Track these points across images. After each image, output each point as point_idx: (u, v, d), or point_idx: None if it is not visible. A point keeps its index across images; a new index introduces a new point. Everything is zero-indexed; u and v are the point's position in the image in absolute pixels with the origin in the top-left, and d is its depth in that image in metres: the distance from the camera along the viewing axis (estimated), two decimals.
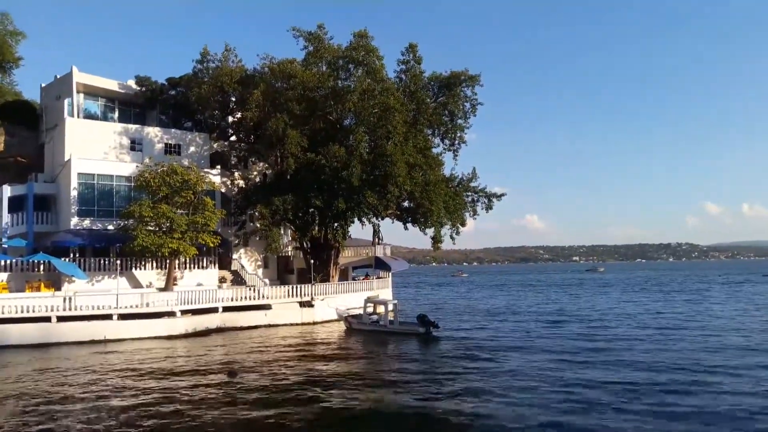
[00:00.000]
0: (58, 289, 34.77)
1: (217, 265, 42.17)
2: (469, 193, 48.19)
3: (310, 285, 40.65)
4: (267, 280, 45.70)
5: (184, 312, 34.51)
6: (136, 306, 33.29)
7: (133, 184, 38.52)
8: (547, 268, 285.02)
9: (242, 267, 46.05)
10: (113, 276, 36.20)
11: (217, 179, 42.73)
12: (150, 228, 36.06)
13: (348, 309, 38.51)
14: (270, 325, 37.47)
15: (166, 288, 37.12)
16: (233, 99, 45.78)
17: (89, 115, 45.79)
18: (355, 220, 44.08)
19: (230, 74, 43.19)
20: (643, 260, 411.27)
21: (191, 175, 37.26)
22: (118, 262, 36.65)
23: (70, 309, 31.34)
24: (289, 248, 51.73)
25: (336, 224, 44.77)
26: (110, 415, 16.67)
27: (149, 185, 36.37)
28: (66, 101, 43.52)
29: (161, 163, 37.91)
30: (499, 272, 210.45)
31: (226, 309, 36.53)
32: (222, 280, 42.24)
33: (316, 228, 46.22)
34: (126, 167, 40.10)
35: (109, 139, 42.18)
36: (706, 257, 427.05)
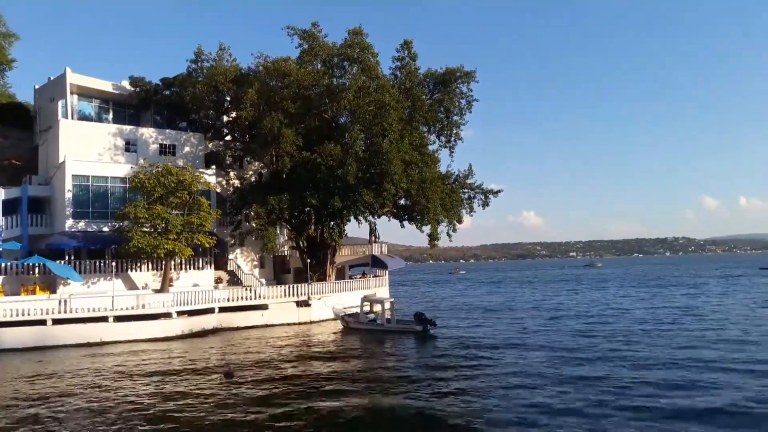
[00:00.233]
0: (54, 291, 34.66)
1: (213, 266, 42.04)
2: (466, 190, 48.11)
3: (306, 284, 40.53)
4: (263, 280, 45.61)
5: (180, 313, 34.37)
6: (132, 308, 33.11)
7: (127, 185, 38.35)
8: (545, 264, 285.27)
9: (238, 267, 45.90)
10: (109, 278, 36.05)
11: (212, 179, 42.56)
12: (145, 229, 35.89)
13: (345, 308, 38.42)
14: (267, 325, 37.37)
15: (162, 289, 36.96)
16: (228, 98, 45.61)
17: (83, 117, 45.56)
18: (352, 218, 43.95)
19: (225, 73, 43.01)
20: (640, 255, 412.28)
21: (186, 176, 37.09)
22: (114, 263, 36.48)
23: (65, 311, 31.14)
24: (286, 248, 51.60)
25: (332, 223, 44.61)
26: (104, 417, 16.55)
27: (144, 186, 36.19)
28: (60, 103, 43.26)
29: (156, 163, 37.72)
30: (496, 269, 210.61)
31: (222, 309, 36.40)
32: (218, 280, 42.10)
33: (312, 227, 46.09)
34: (121, 168, 39.89)
35: (103, 140, 41.98)
36: (702, 251, 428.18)
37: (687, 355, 24.29)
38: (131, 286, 37.59)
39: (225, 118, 48.24)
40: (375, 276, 51.80)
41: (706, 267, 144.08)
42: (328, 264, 46.58)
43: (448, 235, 45.76)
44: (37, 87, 47.82)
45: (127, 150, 42.77)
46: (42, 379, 22.39)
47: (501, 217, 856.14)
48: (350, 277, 52.66)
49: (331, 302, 39.98)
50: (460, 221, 46.10)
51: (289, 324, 38.26)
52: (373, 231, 50.31)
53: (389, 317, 35.58)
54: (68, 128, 41.10)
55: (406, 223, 46.59)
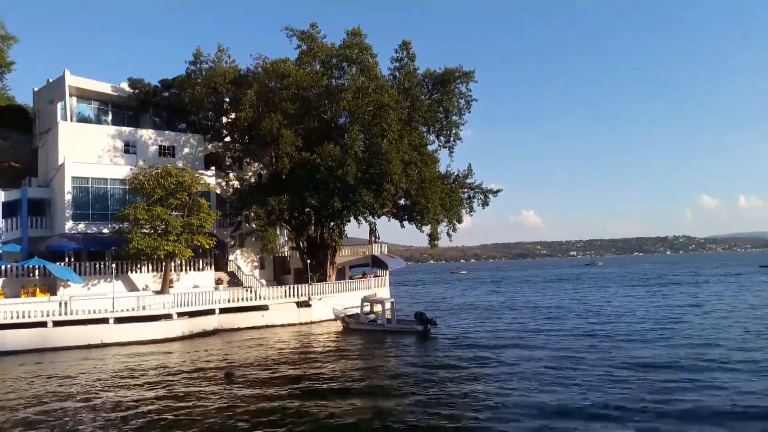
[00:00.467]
0: (54, 293, 34.64)
1: (213, 267, 42.03)
2: (465, 190, 48.14)
3: (307, 285, 40.53)
4: (263, 281, 45.61)
5: (180, 314, 34.36)
6: (133, 309, 33.08)
7: (127, 186, 38.35)
8: (545, 263, 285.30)
9: (238, 268, 45.90)
10: (109, 279, 36.04)
11: (211, 180, 42.54)
12: (145, 231, 35.89)
13: (345, 308, 38.42)
14: (267, 326, 37.38)
15: (162, 291, 36.95)
16: (227, 99, 45.62)
17: (82, 119, 45.52)
18: (352, 218, 43.97)
19: (223, 75, 43.03)
20: (641, 254, 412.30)
21: (186, 177, 37.10)
22: (114, 265, 36.45)
23: (65, 313, 31.12)
24: (286, 248, 51.61)
25: (332, 223, 44.63)
26: (103, 419, 16.56)
27: (144, 188, 36.19)
28: (59, 105, 43.27)
29: (155, 165, 37.72)
30: (496, 268, 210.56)
31: (222, 310, 36.41)
32: (218, 281, 42.10)
33: (312, 227, 46.10)
34: (120, 170, 39.89)
35: (102, 142, 41.99)
36: (703, 249, 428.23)
37: (689, 354, 24.26)
38: (131, 287, 37.58)
39: (224, 120, 48.24)
40: (375, 276, 51.79)
41: (707, 265, 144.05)
42: (329, 264, 46.59)
43: (448, 234, 45.84)
44: (36, 89, 47.81)
45: (126, 152, 42.77)
46: (41, 381, 22.40)
47: (501, 217, 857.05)
48: (351, 278, 52.64)
49: (332, 303, 39.98)
50: (459, 221, 46.13)
51: (289, 325, 38.27)
52: (373, 231, 50.32)
53: (390, 317, 35.57)
54: (67, 130, 41.09)
55: (406, 223, 46.61)
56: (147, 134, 44.12)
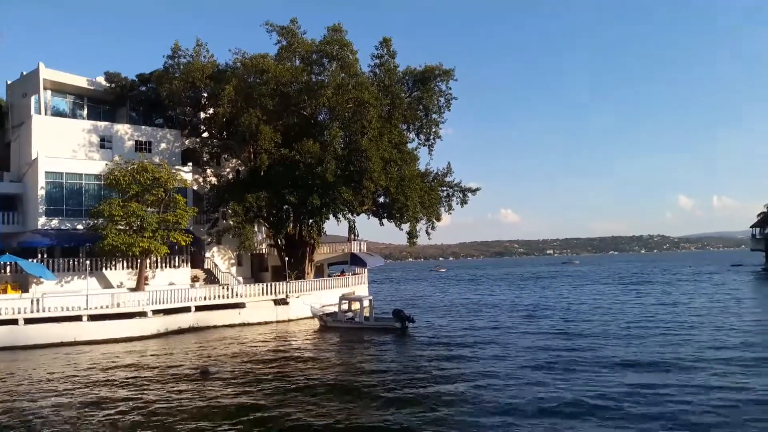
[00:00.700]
0: (26, 290, 33.96)
1: (189, 264, 41.60)
2: (444, 188, 48.18)
3: (284, 282, 40.29)
4: (241, 279, 45.23)
5: (155, 312, 33.95)
6: (107, 306, 32.62)
7: (102, 182, 37.74)
8: (523, 261, 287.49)
9: (215, 265, 45.48)
10: (83, 276, 35.49)
11: (188, 176, 42.08)
12: (120, 227, 35.42)
13: (323, 306, 38.25)
14: (244, 324, 37.08)
15: (138, 288, 36.50)
16: (205, 95, 45.06)
17: (57, 113, 44.69)
18: (330, 216, 43.78)
19: (202, 69, 42.51)
20: (616, 252, 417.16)
21: (162, 173, 36.67)
22: (88, 262, 35.91)
23: (38, 311, 30.58)
24: (264, 246, 51.25)
25: (311, 221, 44.42)
26: (76, 419, 16.26)
27: (119, 183, 35.68)
28: (33, 98, 42.42)
29: (131, 160, 37.22)
30: (475, 266, 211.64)
31: (199, 308, 36.05)
32: (194, 279, 41.67)
33: (291, 225, 45.83)
34: (95, 165, 39.27)
35: (77, 136, 41.25)
36: (677, 248, 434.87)
37: (662, 352, 24.56)
38: (106, 284, 37.03)
39: (202, 115, 47.72)
40: (354, 274, 51.65)
41: (681, 264, 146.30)
42: (307, 262, 46.36)
43: (427, 233, 45.93)
44: (9, 82, 46.81)
45: (102, 146, 42.10)
46: (11, 380, 21.97)
47: (480, 215, 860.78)
48: (329, 275, 52.47)
49: (310, 300, 39.78)
50: (438, 219, 46.23)
51: (266, 323, 38.00)
52: (352, 229, 50.21)
53: (368, 315, 35.52)
54: (41, 124, 40.29)
55: (385, 221, 46.54)
56: (123, 129, 43.46)
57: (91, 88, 46.01)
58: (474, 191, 48.98)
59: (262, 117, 40.08)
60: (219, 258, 47.16)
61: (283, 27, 42.24)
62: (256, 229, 46.52)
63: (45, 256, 35.99)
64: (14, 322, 29.85)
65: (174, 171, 38.71)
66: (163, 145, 44.58)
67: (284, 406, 17.01)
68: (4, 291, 33.02)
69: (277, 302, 39.26)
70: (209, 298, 36.78)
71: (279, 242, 46.19)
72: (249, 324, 37.22)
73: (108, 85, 46.04)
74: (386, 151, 40.97)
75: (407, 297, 63.99)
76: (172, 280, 39.33)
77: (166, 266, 40.04)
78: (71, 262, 36.32)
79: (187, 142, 47.29)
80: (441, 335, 31.66)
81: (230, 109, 40.83)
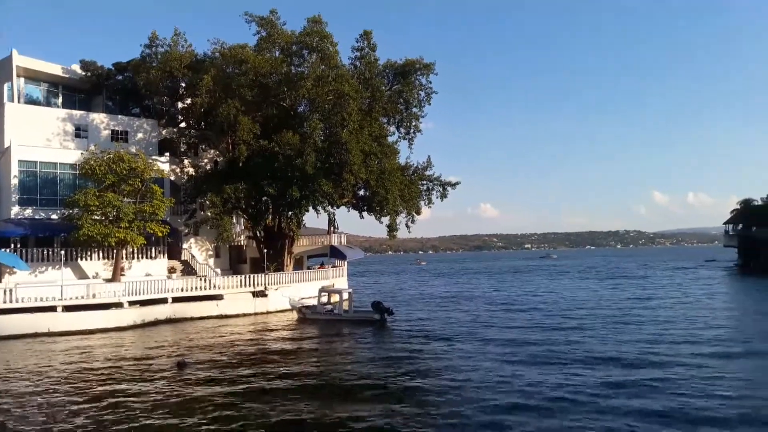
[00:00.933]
0: None
1: (166, 255, 41.22)
2: (424, 182, 48.30)
3: (263, 274, 40.11)
4: (218, 270, 44.95)
5: (132, 303, 33.63)
6: (82, 297, 32.21)
7: (77, 171, 37.26)
8: (502, 255, 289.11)
9: (192, 257, 45.12)
10: (57, 267, 34.97)
11: (165, 167, 41.71)
12: (96, 217, 34.99)
13: (302, 299, 38.15)
14: (222, 316, 36.86)
15: (113, 279, 36.09)
16: (183, 84, 44.62)
17: (31, 101, 43.93)
18: (310, 208, 43.64)
19: (180, 59, 42.07)
20: (593, 247, 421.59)
21: (139, 163, 36.28)
22: (63, 252, 35.39)
23: (11, 301, 30.11)
24: (242, 237, 50.95)
25: (290, 213, 44.25)
26: (48, 412, 16.05)
27: (95, 173, 35.26)
28: (6, 86, 41.72)
29: (107, 150, 36.79)
30: (454, 260, 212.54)
31: (175, 300, 35.75)
32: (171, 270, 41.30)
33: (270, 217, 45.61)
34: (70, 154, 38.76)
35: (52, 125, 40.62)
36: (652, 244, 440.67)
37: (637, 348, 24.82)
38: (81, 275, 36.55)
39: (180, 105, 47.27)
40: (333, 266, 51.62)
41: (656, 259, 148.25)
42: (286, 254, 46.20)
43: (407, 226, 46.07)
44: None
45: (77, 136, 41.53)
46: None
47: (459, 209, 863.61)
48: (308, 268, 52.37)
49: (289, 293, 39.65)
50: (418, 212, 46.35)
51: (244, 315, 37.82)
52: (332, 221, 50.15)
53: (347, 308, 35.53)
54: (14, 112, 39.56)
55: (365, 214, 46.55)
56: (99, 118, 42.88)
57: (66, 76, 45.31)
58: (454, 185, 49.21)
59: (240, 108, 39.77)
60: (196, 249, 46.81)
61: (262, 17, 41.96)
62: (234, 220, 46.24)
63: (18, 245, 35.39)
64: None
65: (151, 161, 38.32)
66: (139, 135, 44.06)
67: (261, 401, 16.82)
68: None
69: (255, 294, 39.09)
70: (186, 290, 36.48)
71: (258, 234, 45.96)
72: (227, 316, 37.01)
73: (83, 73, 45.41)
74: (366, 143, 40.92)
75: (387, 290, 64.08)
76: (148, 272, 38.94)
77: (142, 257, 39.63)
78: (45, 252, 35.79)
79: (164, 132, 46.81)
80: (420, 328, 31.77)
81: (208, 99, 40.48)
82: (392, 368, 21.11)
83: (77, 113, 42.47)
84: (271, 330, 32.72)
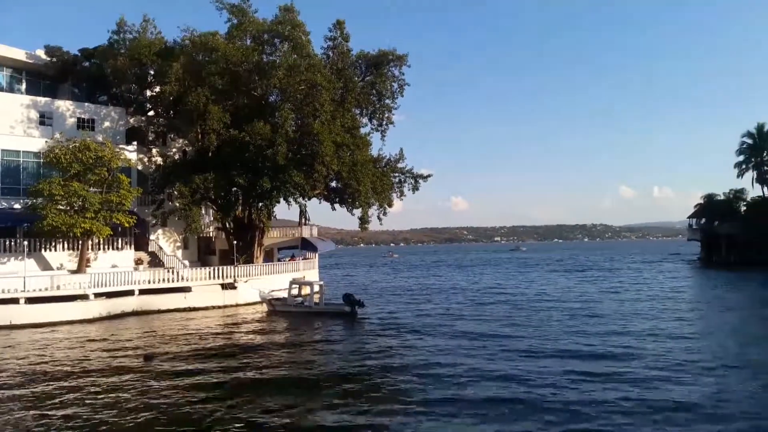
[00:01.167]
0: None
1: (133, 246, 40.55)
2: (396, 174, 48.23)
3: (232, 266, 39.67)
4: (187, 262, 44.40)
5: (97, 295, 33.03)
6: (46, 289, 31.53)
7: (42, 160, 36.47)
8: (472, 248, 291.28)
9: (160, 248, 44.43)
10: (20, 258, 34.10)
11: (133, 156, 40.99)
12: (60, 207, 34.27)
13: (272, 291, 37.79)
14: (190, 308, 36.35)
15: (79, 270, 35.38)
16: (151, 72, 43.70)
17: None
18: (281, 200, 43.26)
19: (149, 46, 41.19)
20: (561, 240, 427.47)
21: (105, 152, 35.57)
22: (26, 243, 34.53)
23: None
24: (211, 229, 50.30)
25: (260, 204, 43.81)
26: (9, 407, 15.60)
27: (60, 162, 34.49)
28: None
29: (73, 138, 36.05)
30: (426, 252, 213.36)
31: (142, 292, 35.18)
32: (138, 261, 40.61)
33: (240, 208, 45.09)
34: (34, 142, 37.89)
35: (15, 112, 39.57)
36: (618, 237, 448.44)
37: (604, 342, 25.15)
38: (45, 266, 35.75)
39: (148, 93, 46.33)
40: (304, 259, 51.30)
41: (622, 252, 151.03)
42: (256, 246, 45.73)
43: (379, 218, 46.03)
44: None
45: (41, 123, 40.55)
46: None
47: (430, 202, 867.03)
48: (279, 260, 51.96)
49: (259, 285, 39.25)
50: (390, 205, 46.27)
51: (213, 307, 37.36)
52: (303, 213, 49.80)
53: (318, 300, 35.34)
54: None
55: (337, 206, 46.33)
56: (65, 105, 41.89)
57: (30, 61, 44.08)
58: (425, 178, 49.22)
59: (210, 96, 39.16)
60: (164, 241, 46.08)
61: (233, 5, 41.38)
62: (203, 211, 45.62)
63: None
64: None
65: (118, 150, 37.67)
66: (106, 123, 43.16)
67: (227, 397, 16.44)
68: None
69: (224, 286, 38.65)
70: (154, 282, 35.88)
71: (227, 225, 45.41)
72: (195, 309, 36.52)
73: (48, 59, 44.25)
74: (339, 135, 40.66)
75: (359, 282, 64.01)
76: (114, 263, 38.24)
77: (108, 248, 38.91)
78: (8, 243, 34.91)
79: (132, 120, 45.96)
80: (390, 320, 31.72)
81: (178, 87, 39.79)
82: (361, 362, 21.01)
83: (42, 100, 41.40)
84: (240, 323, 32.39)
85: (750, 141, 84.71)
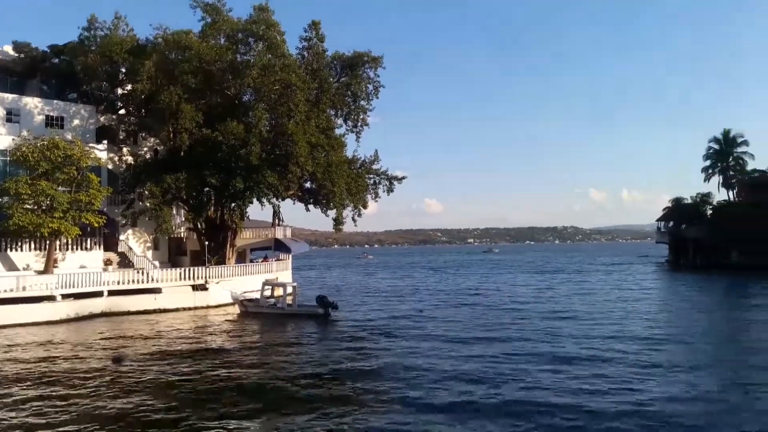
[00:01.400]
0: None
1: (102, 247, 39.94)
2: (371, 176, 48.19)
3: (204, 267, 39.23)
4: (157, 263, 43.83)
5: (65, 296, 32.39)
6: (11, 290, 30.79)
7: (8, 158, 35.82)
8: (446, 250, 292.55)
9: (130, 249, 43.78)
10: None
11: (103, 155, 40.38)
12: (27, 206, 33.70)
13: (244, 292, 37.47)
14: (160, 310, 35.82)
15: (46, 270, 34.69)
16: (123, 70, 43.01)
17: None
18: (254, 200, 42.94)
19: (120, 43, 40.58)
20: (532, 242, 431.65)
21: (75, 150, 35.02)
22: None
23: None
24: (182, 229, 49.69)
25: (233, 204, 43.45)
26: None
27: (27, 160, 33.93)
28: None
29: (41, 136, 35.47)
30: (400, 254, 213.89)
31: (111, 293, 34.60)
32: (107, 262, 39.97)
33: (212, 208, 44.64)
34: (1, 140, 37.18)
35: None
36: (588, 239, 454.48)
37: (576, 345, 25.38)
38: (11, 266, 35.06)
39: (119, 91, 45.63)
40: (278, 260, 50.99)
41: (592, 254, 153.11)
42: (228, 247, 45.31)
43: (354, 220, 45.92)
44: None
45: (8, 120, 39.80)
46: None
47: (405, 204, 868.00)
48: (252, 261, 51.57)
49: (231, 286, 38.87)
50: (365, 206, 46.22)
51: (184, 309, 36.88)
52: (276, 214, 49.56)
53: (290, 302, 35.14)
54: None
55: (311, 207, 46.14)
56: (33, 102, 41.10)
57: None
58: (400, 180, 49.34)
59: (183, 95, 38.74)
60: (134, 241, 45.44)
61: (207, 3, 41.03)
62: (174, 211, 45.10)
63: None
64: None
65: (88, 149, 37.12)
66: (76, 121, 42.43)
67: (198, 404, 16.00)
68: None
69: (195, 288, 38.18)
70: (123, 283, 35.31)
71: (199, 226, 44.90)
72: (166, 310, 36.02)
73: (16, 55, 43.43)
74: (313, 135, 40.48)
75: (333, 284, 63.82)
76: (83, 263, 37.56)
77: (77, 248, 38.26)
78: None
79: (102, 118, 45.24)
80: (364, 322, 31.64)
81: (149, 85, 39.28)
82: (333, 365, 20.87)
83: (8, 97, 40.64)
84: (211, 325, 32.04)
85: (716, 146, 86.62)
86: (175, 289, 37.28)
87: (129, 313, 34.63)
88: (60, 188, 34.97)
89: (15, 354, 23.11)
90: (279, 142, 39.91)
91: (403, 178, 49.66)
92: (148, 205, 40.82)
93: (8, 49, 43.66)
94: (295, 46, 44.27)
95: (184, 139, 39.27)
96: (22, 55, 43.37)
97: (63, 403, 15.83)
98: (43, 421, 14.34)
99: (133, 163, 43.55)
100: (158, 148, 46.39)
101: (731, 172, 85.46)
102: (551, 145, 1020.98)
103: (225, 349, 24.43)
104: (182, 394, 16.76)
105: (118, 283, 35.20)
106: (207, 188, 42.15)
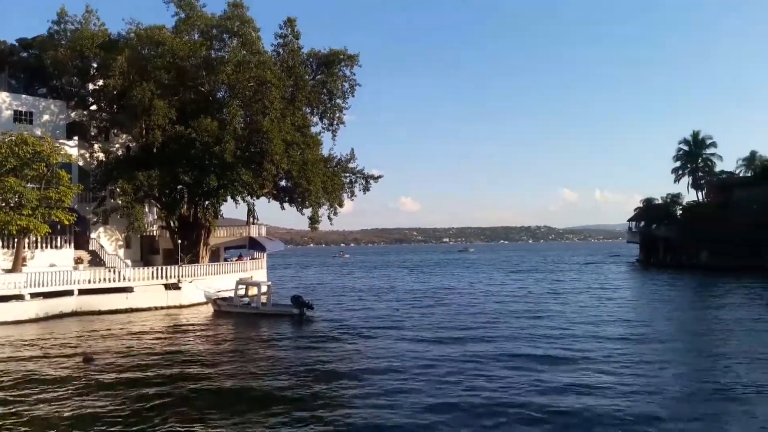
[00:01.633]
0: None
1: (72, 245, 39.17)
2: (347, 174, 48.04)
3: (176, 266, 38.70)
4: (129, 261, 43.15)
5: (34, 295, 31.73)
6: None
7: None
8: (422, 249, 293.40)
9: (101, 247, 43.05)
10: None
11: (74, 151, 39.60)
12: None
13: (218, 291, 37.06)
14: (132, 309, 35.28)
15: (14, 269, 33.90)
16: (94, 65, 42.31)
17: None
18: (228, 198, 42.50)
19: (91, 38, 39.97)
20: (507, 242, 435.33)
21: (44, 146, 34.18)
22: None
23: None
24: (155, 227, 49.03)
25: (207, 202, 43.00)
26: None
27: None
28: None
29: (9, 132, 34.65)
30: (377, 253, 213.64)
31: (82, 292, 33.99)
32: (78, 260, 39.22)
33: (185, 206, 44.11)
34: None
35: None
36: (561, 239, 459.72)
37: (549, 345, 25.57)
38: None
39: (91, 86, 44.82)
40: (252, 258, 50.57)
41: (565, 254, 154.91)
42: (202, 245, 44.83)
43: (330, 218, 45.70)
44: None
45: None
46: None
47: (381, 203, 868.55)
48: (225, 260, 51.08)
49: (204, 285, 38.41)
50: (341, 205, 46.04)
51: (156, 308, 36.36)
52: (251, 212, 49.11)
53: (265, 301, 34.83)
54: None
55: (286, 205, 45.83)
56: (0, 97, 40.10)
57: None
58: (376, 178, 49.30)
59: (156, 91, 38.17)
60: (105, 239, 44.71)
61: None
62: (146, 209, 44.47)
63: None
64: None
65: (58, 145, 36.34)
66: (46, 117, 41.57)
67: (168, 407, 15.47)
68: None
69: (168, 287, 37.65)
70: (94, 282, 34.71)
71: (172, 224, 44.32)
72: (137, 309, 35.48)
73: None
74: (289, 133, 40.19)
75: (309, 283, 63.46)
76: (53, 262, 36.84)
77: (46, 246, 37.51)
78: None
79: (73, 114, 44.37)
80: (339, 323, 31.37)
81: (122, 81, 38.65)
82: (306, 367, 20.53)
83: None
84: (184, 324, 31.59)
85: (686, 147, 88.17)
86: (147, 288, 36.73)
87: (100, 312, 34.08)
88: (29, 185, 34.16)
89: None
90: (254, 140, 39.57)
91: (380, 176, 49.71)
92: (119, 202, 40.19)
93: None
94: (270, 43, 43.96)
95: (157, 135, 38.72)
96: None
97: (30, 405, 15.46)
98: (8, 422, 13.98)
99: (104, 159, 42.80)
100: (130, 145, 45.69)
101: (700, 174, 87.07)
102: (526, 145, 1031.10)
103: (197, 349, 24.12)
104: (153, 395, 16.45)
105: (89, 282, 34.58)
106: (180, 186, 41.69)
